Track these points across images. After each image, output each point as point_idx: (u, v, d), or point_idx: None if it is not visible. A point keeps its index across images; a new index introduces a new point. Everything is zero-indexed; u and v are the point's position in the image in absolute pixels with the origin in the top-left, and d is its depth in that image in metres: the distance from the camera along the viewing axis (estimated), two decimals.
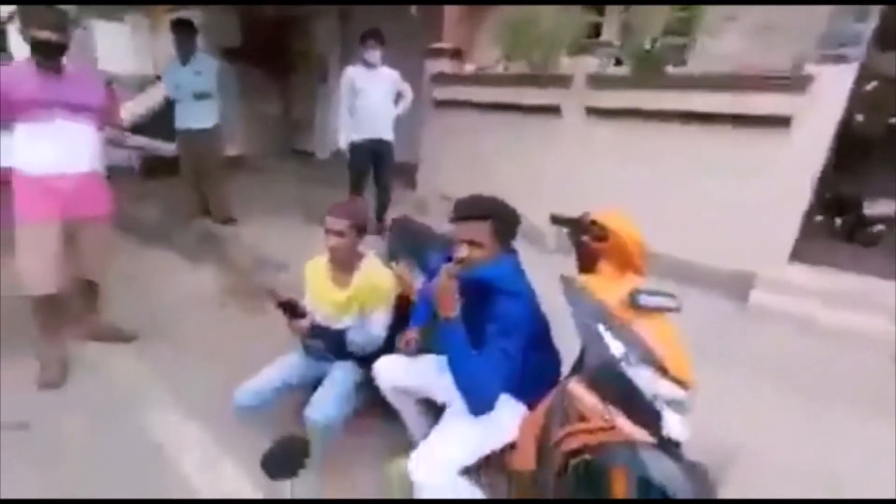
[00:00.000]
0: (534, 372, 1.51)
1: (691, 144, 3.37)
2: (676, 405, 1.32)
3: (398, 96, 3.94)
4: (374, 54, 3.68)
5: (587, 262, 1.53)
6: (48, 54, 1.96)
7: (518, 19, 3.90)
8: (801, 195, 3.02)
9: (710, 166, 3.31)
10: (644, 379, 1.29)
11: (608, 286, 1.42)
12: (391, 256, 2.31)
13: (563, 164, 4.03)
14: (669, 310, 1.41)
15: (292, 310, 1.88)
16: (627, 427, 1.29)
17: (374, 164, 3.95)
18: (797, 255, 3.12)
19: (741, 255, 3.17)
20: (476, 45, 4.68)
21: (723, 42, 3.42)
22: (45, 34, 1.90)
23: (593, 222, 1.44)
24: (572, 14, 3.80)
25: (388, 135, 3.89)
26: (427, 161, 5.06)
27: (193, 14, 6.73)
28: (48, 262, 2.09)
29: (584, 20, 3.96)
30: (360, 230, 1.88)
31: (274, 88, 7.19)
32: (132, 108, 7.37)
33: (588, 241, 1.45)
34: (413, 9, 5.11)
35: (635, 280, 1.49)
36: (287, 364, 1.97)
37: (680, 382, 1.31)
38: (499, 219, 1.54)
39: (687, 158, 3.41)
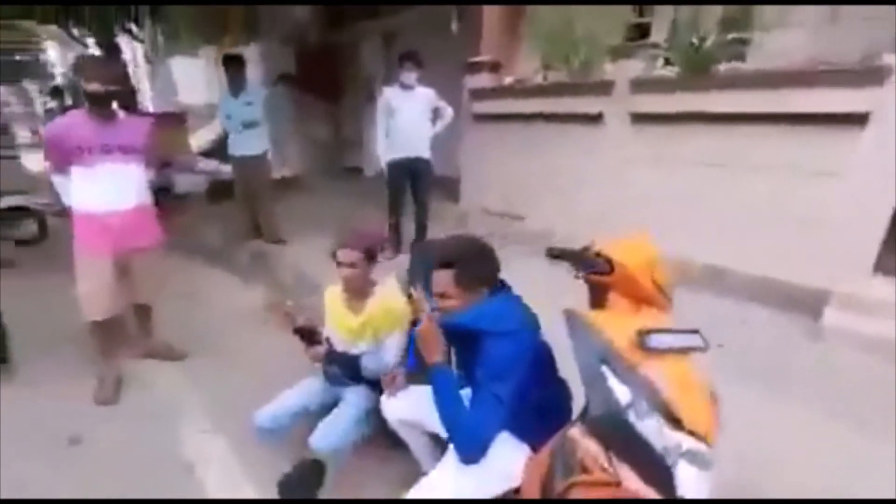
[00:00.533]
0: (537, 410, 1.41)
1: (751, 148, 3.06)
2: (695, 458, 1.18)
3: (436, 115, 3.95)
4: (410, 76, 3.73)
5: (597, 297, 1.41)
6: (99, 104, 2.17)
7: (554, 27, 3.78)
8: (883, 199, 2.62)
9: (774, 171, 2.98)
10: (652, 430, 1.16)
11: (618, 323, 1.29)
12: (411, 281, 2.29)
13: (606, 173, 3.82)
14: (689, 350, 1.27)
15: (309, 336, 1.92)
16: (633, 483, 1.16)
17: (412, 182, 3.98)
18: (881, 267, 2.71)
19: (813, 268, 2.81)
20: (515, 56, 4.59)
21: (785, 35, 3.09)
22: (95, 86, 2.10)
23: (597, 254, 1.32)
24: (610, 17, 3.62)
25: (424, 153, 3.91)
26: (468, 175, 5.03)
27: (253, 46, 7.27)
28: (102, 291, 2.30)
29: (623, 22, 3.75)
30: (372, 258, 1.88)
31: (325, 111, 7.54)
32: (204, 135, 8.08)
33: (592, 275, 1.34)
34: (453, 25, 5.14)
35: (655, 316, 1.36)
36: (306, 389, 2.01)
37: (697, 436, 1.16)
38: (463, 266, 1.43)
39: (746, 163, 3.09)
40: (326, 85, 7.28)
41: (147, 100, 11.47)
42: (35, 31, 8.36)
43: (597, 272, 1.32)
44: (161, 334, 2.85)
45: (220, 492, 1.85)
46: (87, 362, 2.51)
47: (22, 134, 9.41)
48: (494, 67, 4.53)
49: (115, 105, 2.26)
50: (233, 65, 4.13)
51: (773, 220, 3.00)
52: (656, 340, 1.20)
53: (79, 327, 2.47)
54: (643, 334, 1.20)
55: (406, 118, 3.77)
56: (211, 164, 6.64)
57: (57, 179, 2.28)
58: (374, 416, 1.85)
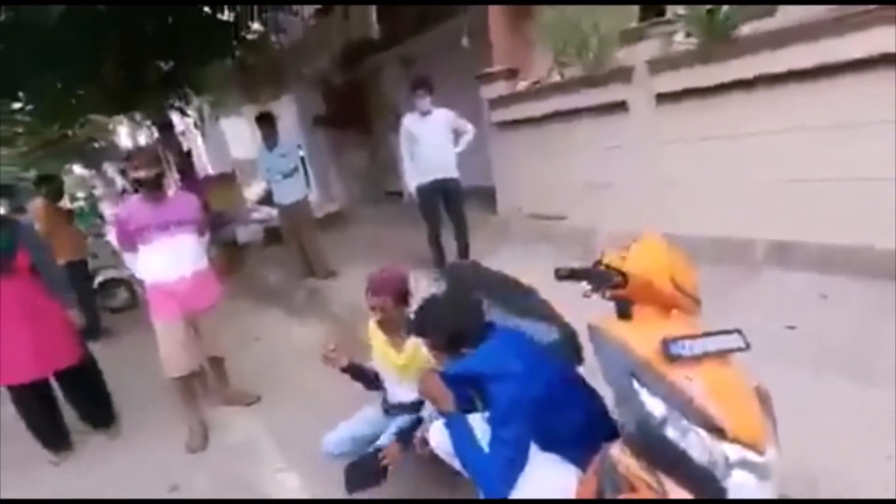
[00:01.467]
0: (573, 433, 1.40)
1: (794, 109, 2.83)
2: (748, 467, 1.12)
3: (457, 133, 4.02)
4: (425, 101, 3.83)
5: (622, 311, 1.37)
6: (148, 187, 2.44)
7: (561, 23, 3.73)
8: None
9: (824, 130, 2.75)
10: (694, 443, 1.12)
11: (644, 333, 1.26)
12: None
13: (639, 160, 3.68)
14: (724, 353, 1.21)
15: (358, 373, 2.02)
16: (682, 497, 1.12)
17: (445, 202, 4.06)
18: None
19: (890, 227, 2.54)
20: (527, 60, 4.56)
21: None
22: (141, 173, 2.37)
23: (607, 267, 1.30)
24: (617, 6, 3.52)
25: (451, 173, 3.97)
26: (502, 183, 5.03)
27: (286, 98, 7.75)
28: (178, 350, 2.57)
29: (634, 5, 3.63)
30: (401, 299, 1.95)
31: (359, 143, 7.86)
32: (255, 189, 8.68)
33: (608, 290, 1.31)
34: (464, 41, 5.20)
35: (684, 321, 1.31)
36: (366, 417, 2.10)
37: (744, 443, 1.11)
38: (434, 338, 1.51)
39: (790, 126, 2.87)
40: (356, 118, 7.60)
41: (204, 161, 12.56)
42: (106, 121, 9.45)
43: (612, 286, 1.29)
44: (236, 380, 3.09)
45: None
46: (178, 416, 2.78)
47: (108, 212, 10.62)
48: (509, 74, 4.53)
49: (163, 184, 2.53)
50: (265, 122, 4.44)
51: (837, 182, 2.75)
52: (681, 347, 1.16)
53: (168, 384, 2.75)
54: (667, 342, 1.16)
55: (428, 142, 3.86)
56: (263, 211, 7.15)
57: (127, 256, 2.58)
58: None
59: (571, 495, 1.41)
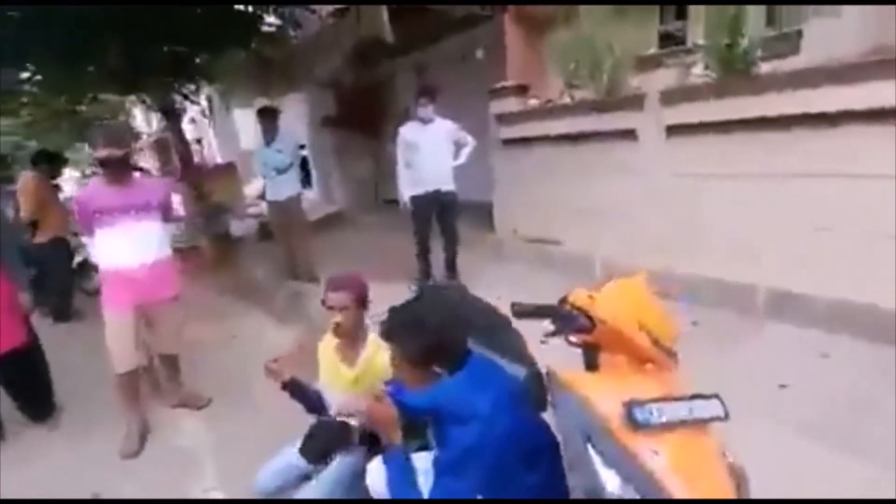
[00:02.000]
0: (527, 495, 1.21)
1: (812, 153, 2.65)
2: None
3: (458, 146, 3.88)
4: (427, 110, 3.71)
5: (589, 358, 1.19)
6: (112, 168, 2.30)
7: (573, 42, 3.60)
8: None
9: (841, 178, 2.57)
10: None
11: (608, 389, 1.07)
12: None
13: (644, 191, 3.51)
14: (698, 423, 1.03)
15: (299, 392, 1.84)
16: None
17: (438, 215, 3.91)
18: None
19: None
20: (540, 79, 4.44)
21: (844, 20, 2.70)
22: (104, 152, 2.23)
23: (572, 306, 1.12)
24: (635, 28, 3.38)
25: (448, 185, 3.83)
26: (500, 201, 4.88)
27: (299, 94, 7.70)
28: (127, 343, 2.39)
29: (651, 32, 3.50)
30: (363, 303, 1.79)
31: (366, 147, 7.77)
32: (256, 184, 8.60)
33: (574, 333, 1.13)
34: (478, 52, 5.11)
35: (658, 377, 1.12)
36: (287, 457, 1.91)
37: None
38: (402, 343, 1.27)
39: (805, 171, 2.69)
40: (365, 122, 7.52)
41: (213, 150, 12.57)
42: (120, 101, 9.47)
43: (577, 329, 1.11)
44: (199, 379, 2.92)
45: None
46: (122, 413, 2.60)
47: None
48: (520, 91, 4.41)
49: (129, 166, 2.40)
50: (266, 116, 4.35)
51: (851, 235, 2.56)
52: (648, 413, 0.98)
53: (103, 379, 2.58)
54: (632, 406, 0.97)
55: (426, 152, 3.73)
56: (261, 206, 7.03)
57: (88, 241, 2.44)
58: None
59: None
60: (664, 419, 0.99)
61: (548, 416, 1.45)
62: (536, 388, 1.57)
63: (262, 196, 5.16)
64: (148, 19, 4.39)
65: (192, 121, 10.71)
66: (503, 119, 4.51)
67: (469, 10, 4.72)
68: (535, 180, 4.39)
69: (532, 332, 1.18)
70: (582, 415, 1.04)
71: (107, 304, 2.39)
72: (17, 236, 4.36)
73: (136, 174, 2.50)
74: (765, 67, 2.84)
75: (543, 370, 1.20)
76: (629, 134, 3.52)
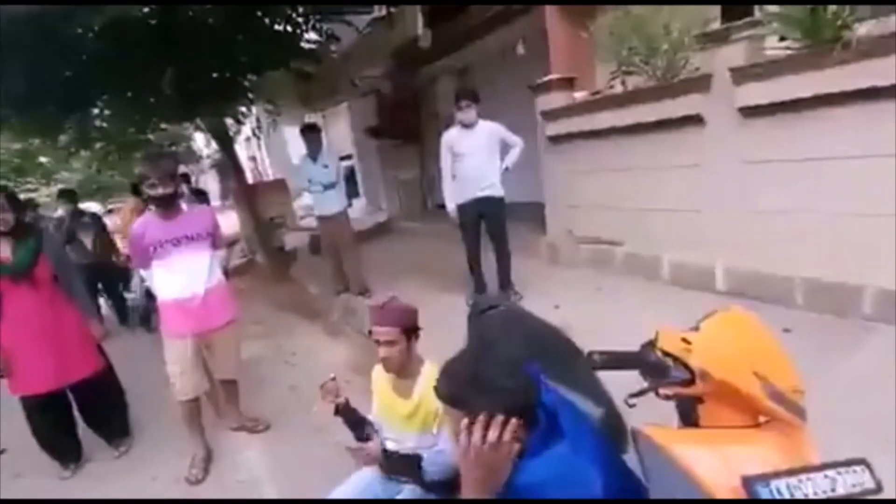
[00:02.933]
0: None
1: None
2: None
3: (504, 149, 3.70)
4: (469, 114, 3.55)
5: (685, 410, 0.98)
6: (161, 204, 2.34)
7: (625, 24, 3.32)
8: None
9: None
10: None
11: (719, 454, 0.87)
12: None
13: (714, 181, 3.17)
14: (843, 499, 0.81)
15: (351, 417, 1.75)
16: None
17: (487, 223, 3.73)
18: None
19: None
20: (587, 69, 4.16)
21: None
22: (158, 191, 2.27)
23: (665, 354, 0.92)
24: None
25: (495, 191, 3.64)
26: (553, 202, 4.62)
27: (342, 106, 7.79)
28: (188, 371, 2.44)
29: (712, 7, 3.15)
30: (412, 334, 1.67)
31: (410, 154, 7.73)
32: (307, 198, 8.82)
33: (666, 385, 0.93)
34: (519, 48, 4.88)
35: (781, 432, 0.91)
36: (362, 482, 1.82)
37: None
38: (487, 404, 0.92)
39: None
40: (408, 129, 7.48)
41: (266, 166, 13.11)
42: (183, 128, 10.05)
43: (673, 383, 0.91)
44: (259, 399, 2.96)
45: None
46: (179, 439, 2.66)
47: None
48: (566, 84, 4.15)
49: (177, 200, 2.43)
50: (310, 133, 4.38)
51: None
52: (776, 491, 0.77)
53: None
54: (752, 483, 0.77)
55: (471, 157, 3.57)
56: (309, 220, 7.18)
57: (144, 274, 2.50)
58: None
59: None
60: (796, 496, 0.78)
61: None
62: (616, 431, 1.38)
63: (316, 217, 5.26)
64: (195, 49, 4.57)
65: (247, 139, 11.22)
66: (549, 115, 4.26)
67: (505, 6, 4.52)
68: (588, 177, 4.12)
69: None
70: (682, 485, 0.85)
71: (166, 333, 2.44)
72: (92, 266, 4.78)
73: (184, 205, 2.54)
74: (859, 31, 2.44)
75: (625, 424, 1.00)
76: (693, 120, 3.18)
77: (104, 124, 6.17)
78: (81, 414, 2.74)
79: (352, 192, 5.52)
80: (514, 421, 0.89)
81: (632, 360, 0.95)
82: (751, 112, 2.88)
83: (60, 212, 5.12)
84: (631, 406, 0.97)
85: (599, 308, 3.27)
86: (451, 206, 3.71)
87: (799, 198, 2.76)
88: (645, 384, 0.99)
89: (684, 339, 0.90)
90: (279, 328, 4.53)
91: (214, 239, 2.54)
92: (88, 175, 11.00)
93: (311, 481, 1.90)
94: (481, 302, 2.16)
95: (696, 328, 0.93)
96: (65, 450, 2.67)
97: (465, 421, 0.95)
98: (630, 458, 1.24)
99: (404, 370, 1.69)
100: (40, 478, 2.65)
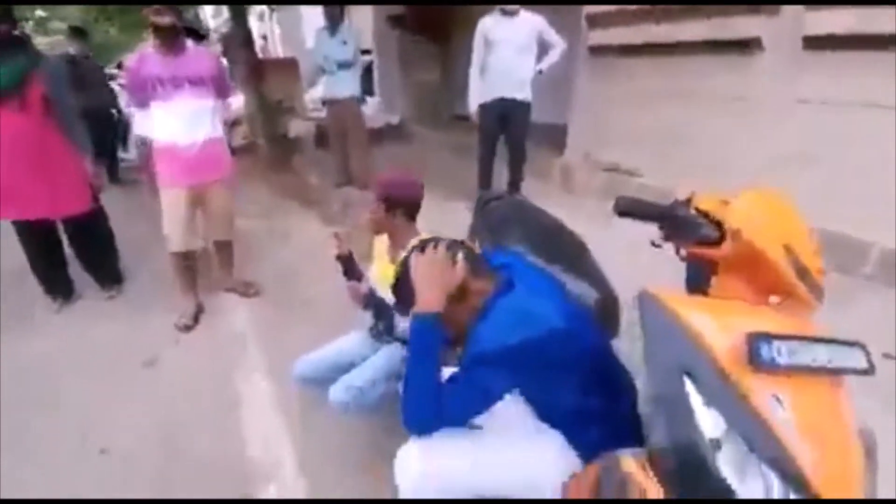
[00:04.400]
0: (588, 416, 1.05)
1: None
2: None
3: (542, 48, 3.40)
4: None
5: (697, 277, 0.95)
6: (164, 36, 2.15)
7: None
8: None
9: None
10: (755, 489, 0.75)
11: (722, 317, 0.86)
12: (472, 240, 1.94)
13: (756, 116, 2.98)
14: (837, 373, 0.81)
15: (349, 267, 1.78)
16: None
17: (506, 128, 3.53)
18: None
19: None
20: None
21: None
22: (160, 18, 2.08)
23: (697, 211, 0.86)
24: None
25: (521, 93, 3.40)
26: (578, 120, 4.34)
27: None
28: (180, 223, 2.38)
29: None
30: (394, 206, 1.64)
31: (435, 54, 7.20)
32: (319, 87, 8.36)
33: (691, 243, 0.88)
34: None
35: (790, 311, 0.89)
36: (350, 343, 1.88)
37: None
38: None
39: None
40: (437, 26, 6.89)
41: (277, 47, 12.27)
42: None
43: (699, 240, 0.86)
44: (252, 270, 2.97)
45: (254, 432, 1.83)
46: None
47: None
48: None
49: (180, 35, 2.24)
50: (332, 2, 4.00)
51: None
52: (776, 351, 0.76)
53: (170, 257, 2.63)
54: (755, 339, 0.75)
55: (504, 48, 3.28)
56: (318, 112, 6.83)
57: (137, 113, 2.36)
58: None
59: (559, 493, 1.09)
60: (797, 360, 0.76)
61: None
62: (609, 314, 1.37)
63: (323, 102, 4.97)
64: None
65: (260, 18, 10.40)
66: (595, 21, 3.88)
67: None
68: (621, 97, 3.85)
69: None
70: (684, 344, 0.83)
71: (162, 180, 2.36)
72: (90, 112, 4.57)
73: (189, 43, 2.33)
74: None
75: (628, 291, 0.96)
76: (753, 44, 2.91)
77: None
78: (74, 251, 2.74)
79: (366, 89, 5.15)
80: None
81: (659, 212, 0.90)
82: (815, 42, 2.62)
83: (70, 50, 4.81)
84: (657, 247, 0.92)
85: (607, 240, 3.21)
86: (473, 105, 3.50)
87: (842, 145, 2.59)
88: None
89: (723, 201, 0.85)
90: (275, 211, 4.44)
91: (219, 86, 2.38)
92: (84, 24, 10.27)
93: (296, 344, 1.94)
94: (488, 194, 2.14)
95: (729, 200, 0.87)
96: (56, 284, 2.70)
97: (415, 241, 1.20)
98: (616, 343, 1.26)
99: (398, 240, 1.68)
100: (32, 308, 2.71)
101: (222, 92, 2.46)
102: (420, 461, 1.04)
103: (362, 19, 7.58)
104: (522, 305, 1.01)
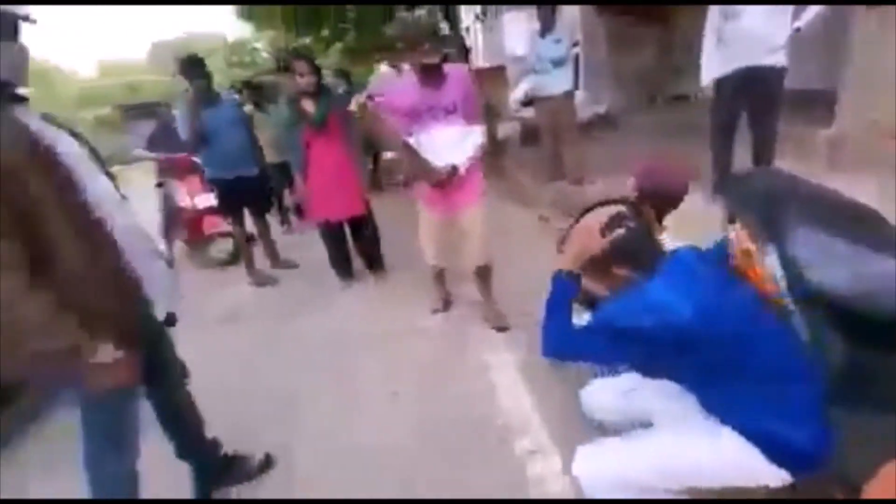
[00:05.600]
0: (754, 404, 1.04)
1: None
2: None
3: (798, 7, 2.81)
4: None
5: None
6: (428, 73, 2.23)
7: None
8: None
9: None
10: None
11: None
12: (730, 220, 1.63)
13: None
14: None
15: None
16: None
17: (752, 103, 3.01)
18: None
19: None
20: None
21: None
22: (428, 60, 2.17)
23: None
24: None
25: (775, 59, 2.86)
26: (853, 83, 3.41)
27: None
28: (434, 242, 2.60)
29: None
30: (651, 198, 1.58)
31: (648, 35, 6.60)
32: (522, 87, 8.57)
33: None
34: None
35: None
36: None
37: None
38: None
39: None
40: (654, 6, 6.29)
41: (480, 57, 12.98)
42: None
43: None
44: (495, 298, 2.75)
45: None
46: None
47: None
48: None
49: (441, 65, 2.24)
50: (545, 4, 4.09)
51: None
52: None
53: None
54: None
55: (749, 15, 2.82)
56: (523, 112, 6.99)
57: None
58: None
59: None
60: None
61: None
62: None
63: (525, 103, 5.04)
64: None
65: (467, 30, 11.22)
66: None
67: None
68: None
69: None
70: None
71: (421, 203, 2.56)
72: None
73: (446, 68, 2.29)
74: None
75: None
76: None
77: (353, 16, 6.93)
78: (354, 243, 3.54)
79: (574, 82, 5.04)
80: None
81: None
82: None
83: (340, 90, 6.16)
84: None
85: None
86: (706, 78, 3.10)
87: None
88: None
89: None
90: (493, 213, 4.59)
91: (467, 111, 2.31)
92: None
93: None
94: (734, 175, 1.87)
95: None
96: (343, 268, 3.55)
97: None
98: None
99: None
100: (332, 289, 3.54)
101: (471, 118, 2.38)
102: (596, 457, 1.20)
103: (568, 11, 7.43)
104: (646, 297, 1.05)
